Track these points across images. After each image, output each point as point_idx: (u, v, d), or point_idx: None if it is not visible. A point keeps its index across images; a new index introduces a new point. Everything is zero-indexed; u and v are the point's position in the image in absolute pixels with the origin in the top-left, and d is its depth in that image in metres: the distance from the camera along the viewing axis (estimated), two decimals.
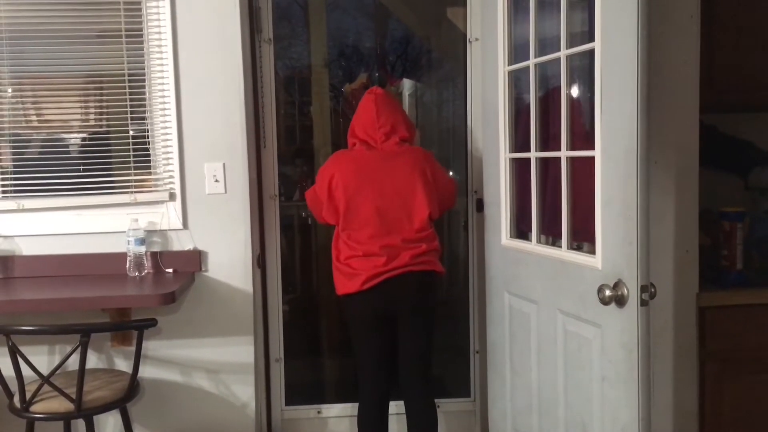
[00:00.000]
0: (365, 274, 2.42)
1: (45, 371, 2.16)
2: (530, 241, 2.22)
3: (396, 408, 2.73)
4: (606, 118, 1.77)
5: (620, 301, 1.72)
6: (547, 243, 2.19)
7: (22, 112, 2.71)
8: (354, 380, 2.66)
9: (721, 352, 2.31)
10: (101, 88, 2.71)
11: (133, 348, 2.36)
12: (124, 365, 2.69)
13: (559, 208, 2.02)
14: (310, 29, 4.15)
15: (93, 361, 2.66)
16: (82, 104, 2.74)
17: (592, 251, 1.88)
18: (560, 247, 2.04)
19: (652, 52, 1.69)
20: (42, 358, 2.55)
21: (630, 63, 1.66)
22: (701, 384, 2.32)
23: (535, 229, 2.18)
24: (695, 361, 2.32)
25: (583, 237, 2.02)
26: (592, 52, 1.83)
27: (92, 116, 2.75)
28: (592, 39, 1.83)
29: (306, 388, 3.34)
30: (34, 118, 2.72)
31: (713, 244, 2.45)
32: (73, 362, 2.15)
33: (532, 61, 2.13)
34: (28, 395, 2.18)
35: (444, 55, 4.41)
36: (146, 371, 2.70)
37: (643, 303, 1.68)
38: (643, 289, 1.67)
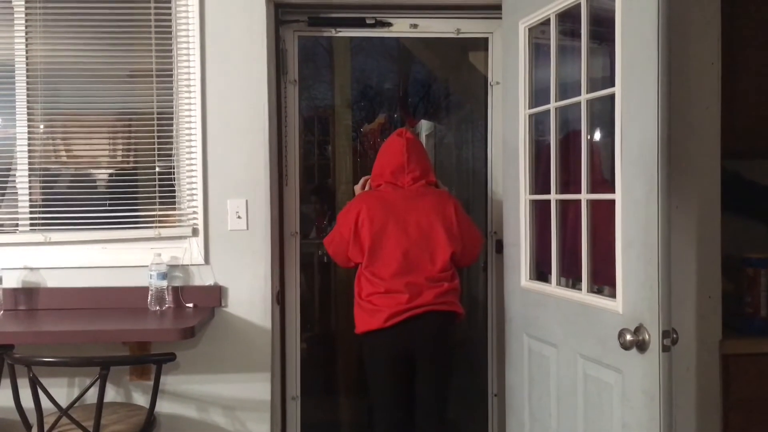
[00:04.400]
0: (388, 311, 2.42)
1: (64, 403, 2.17)
2: (550, 283, 2.21)
3: None
4: (627, 161, 1.78)
5: (641, 346, 1.70)
6: (567, 285, 2.17)
7: (52, 147, 2.79)
8: (370, 421, 2.63)
9: (745, 401, 2.25)
10: (130, 126, 2.78)
11: (151, 382, 2.36)
12: (141, 399, 2.69)
13: (579, 250, 2.02)
14: (335, 71, 4.24)
15: (111, 394, 2.67)
16: (112, 141, 2.81)
17: (613, 295, 1.87)
18: (580, 289, 2.03)
19: (672, 97, 1.71)
20: (61, 390, 2.56)
21: (650, 108, 1.68)
22: None
23: (555, 271, 2.17)
24: (719, 410, 2.26)
25: (603, 280, 2.00)
26: (612, 96, 1.85)
27: (121, 153, 2.82)
28: (612, 84, 1.85)
29: (322, 428, 3.30)
30: (63, 153, 2.79)
31: (737, 290, 2.42)
32: (92, 395, 2.16)
33: (552, 105, 2.16)
34: (46, 427, 2.18)
35: (465, 97, 4.47)
36: (163, 406, 2.70)
37: (665, 349, 1.66)
38: (665, 334, 1.66)
